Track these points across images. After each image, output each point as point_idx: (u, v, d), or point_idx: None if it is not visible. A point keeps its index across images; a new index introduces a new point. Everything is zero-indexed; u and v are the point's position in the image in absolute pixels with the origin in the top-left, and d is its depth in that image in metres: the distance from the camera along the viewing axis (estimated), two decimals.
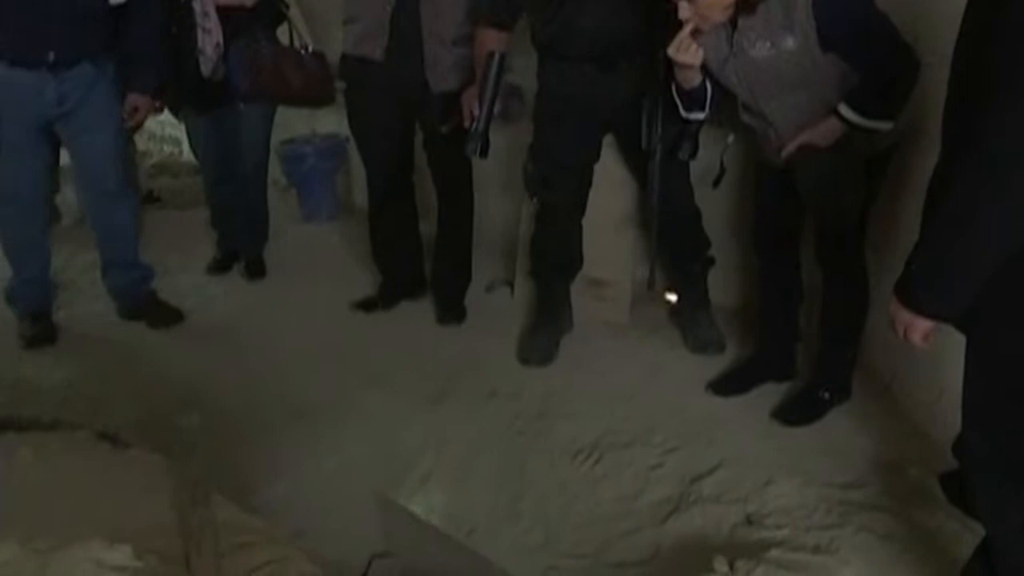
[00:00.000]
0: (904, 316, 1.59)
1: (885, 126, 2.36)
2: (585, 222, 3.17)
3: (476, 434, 2.82)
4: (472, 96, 2.91)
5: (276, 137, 4.40)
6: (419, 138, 3.35)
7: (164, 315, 3.45)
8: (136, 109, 3.22)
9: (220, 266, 3.93)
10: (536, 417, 2.85)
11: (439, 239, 3.51)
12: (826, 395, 2.73)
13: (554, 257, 3.20)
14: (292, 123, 4.50)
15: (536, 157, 3.03)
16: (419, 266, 3.65)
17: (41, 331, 3.24)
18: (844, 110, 2.36)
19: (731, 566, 2.14)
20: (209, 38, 3.41)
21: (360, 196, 3.77)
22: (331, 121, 4.53)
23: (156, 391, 2.94)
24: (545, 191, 3.06)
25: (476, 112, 2.84)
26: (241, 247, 4.00)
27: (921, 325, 1.58)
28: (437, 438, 2.85)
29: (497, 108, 2.86)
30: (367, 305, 3.57)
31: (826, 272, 2.64)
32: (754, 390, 2.90)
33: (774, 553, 2.16)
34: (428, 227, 3.59)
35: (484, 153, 2.87)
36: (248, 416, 2.89)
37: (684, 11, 2.34)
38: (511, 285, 3.67)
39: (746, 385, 2.90)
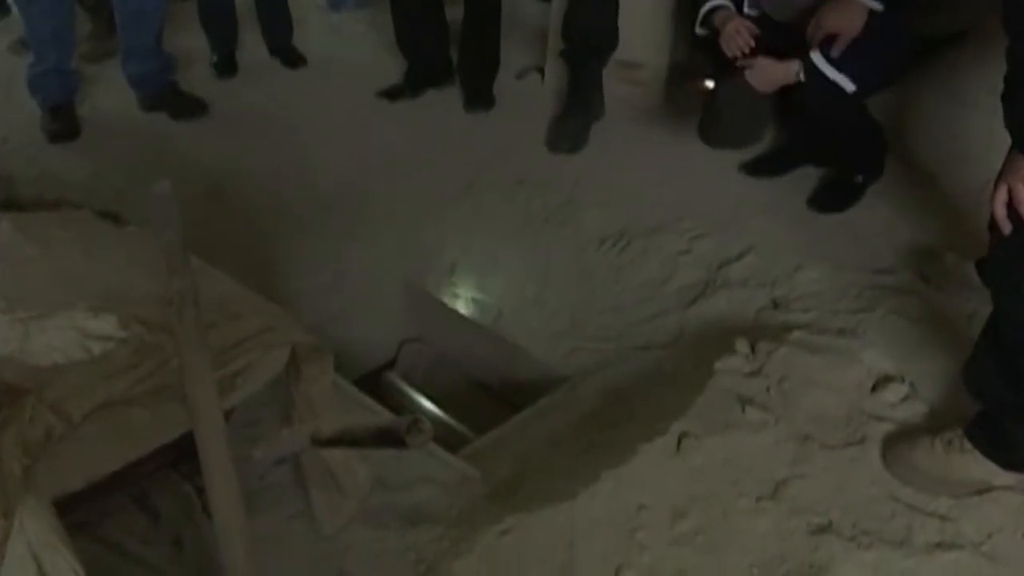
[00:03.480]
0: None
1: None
2: (621, 2, 2.99)
3: (503, 223, 2.79)
4: None
5: None
6: None
7: (187, 106, 3.38)
8: None
9: (227, 68, 3.80)
10: (563, 205, 2.80)
11: (466, 23, 3.33)
12: (860, 178, 2.63)
13: (587, 35, 3.03)
14: None
15: None
16: (445, 52, 3.50)
17: (64, 125, 3.20)
18: None
19: (753, 348, 2.13)
20: None
21: None
22: None
23: (180, 181, 2.91)
24: None
25: None
26: (269, 39, 3.88)
27: None
28: (464, 227, 2.83)
29: None
30: (393, 93, 3.46)
31: None
32: (790, 174, 2.79)
33: (797, 335, 2.15)
34: (455, 11, 3.42)
35: None
36: (275, 207, 2.88)
37: None
38: (542, 72, 3.53)
39: (782, 168, 2.79)
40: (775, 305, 2.32)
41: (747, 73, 2.41)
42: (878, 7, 2.27)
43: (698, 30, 2.65)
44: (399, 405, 2.64)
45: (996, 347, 1.71)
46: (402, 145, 3.15)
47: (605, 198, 2.79)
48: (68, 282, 1.34)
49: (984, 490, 1.75)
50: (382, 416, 1.98)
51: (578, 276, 2.58)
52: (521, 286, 2.65)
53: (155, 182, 1.09)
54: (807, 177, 2.78)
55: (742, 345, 2.13)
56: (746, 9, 2.56)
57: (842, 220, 2.60)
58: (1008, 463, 1.74)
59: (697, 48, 2.77)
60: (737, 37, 2.45)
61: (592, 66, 3.12)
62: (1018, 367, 1.66)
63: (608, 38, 3.06)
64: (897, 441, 1.87)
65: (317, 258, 2.79)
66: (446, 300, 2.83)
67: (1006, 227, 1.57)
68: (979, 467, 1.76)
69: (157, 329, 1.32)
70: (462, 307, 2.81)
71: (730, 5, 2.56)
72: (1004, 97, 1.56)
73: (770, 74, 2.42)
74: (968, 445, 1.76)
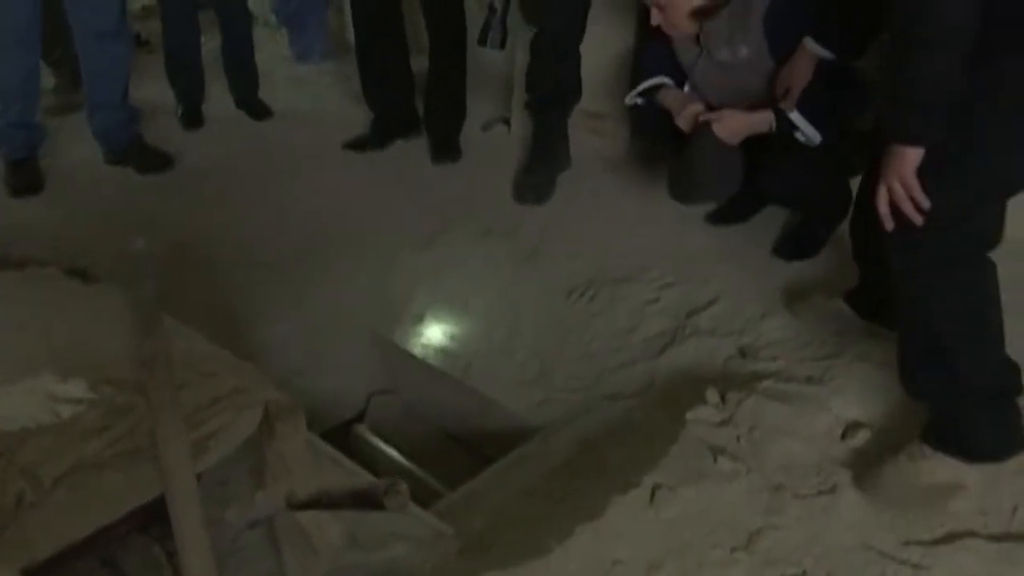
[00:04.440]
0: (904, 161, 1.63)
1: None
2: (583, 53, 3.04)
3: (471, 272, 2.80)
4: None
5: None
6: None
7: (152, 160, 3.37)
8: None
9: (193, 120, 3.79)
10: (531, 255, 2.82)
11: (432, 74, 3.37)
12: (822, 227, 2.67)
13: (551, 87, 3.08)
14: None
15: None
16: (412, 103, 3.53)
17: (27, 180, 3.17)
18: (809, 44, 2.33)
19: (723, 397, 2.14)
20: None
21: (352, 35, 3.62)
22: None
23: (146, 235, 2.89)
24: (541, 16, 2.92)
25: (496, 2, 2.68)
26: (235, 91, 3.89)
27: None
28: (432, 277, 2.83)
29: None
30: (359, 144, 3.48)
31: None
32: (754, 219, 2.83)
33: (766, 384, 2.16)
34: (420, 62, 3.46)
35: (503, 44, 2.74)
36: (241, 260, 2.87)
37: (655, 18, 2.47)
38: (507, 122, 3.57)
39: (746, 214, 2.83)
40: (743, 354, 2.34)
41: (714, 125, 2.47)
42: (828, 56, 2.33)
43: (632, 100, 2.71)
44: (369, 458, 2.61)
45: (916, 347, 1.82)
46: (369, 196, 3.16)
47: (572, 248, 2.81)
48: (36, 344, 1.32)
49: (956, 537, 1.77)
50: (358, 477, 1.96)
51: (547, 326, 2.59)
52: (490, 336, 2.65)
53: (128, 238, 1.08)
54: (772, 220, 2.82)
55: (712, 395, 2.14)
56: (686, 91, 2.65)
57: (809, 265, 2.63)
58: (970, 456, 1.79)
59: (632, 115, 2.82)
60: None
61: (557, 117, 3.16)
62: (943, 358, 1.75)
63: (572, 90, 3.11)
64: (867, 470, 1.91)
65: (284, 310, 2.78)
66: (415, 351, 2.82)
67: (889, 224, 1.68)
68: (945, 470, 1.81)
69: (128, 390, 1.30)
70: (431, 357, 2.80)
71: (671, 83, 2.64)
72: (887, 75, 1.69)
73: (738, 125, 2.48)
74: (929, 450, 1.82)
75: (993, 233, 1.86)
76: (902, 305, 1.83)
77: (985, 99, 1.59)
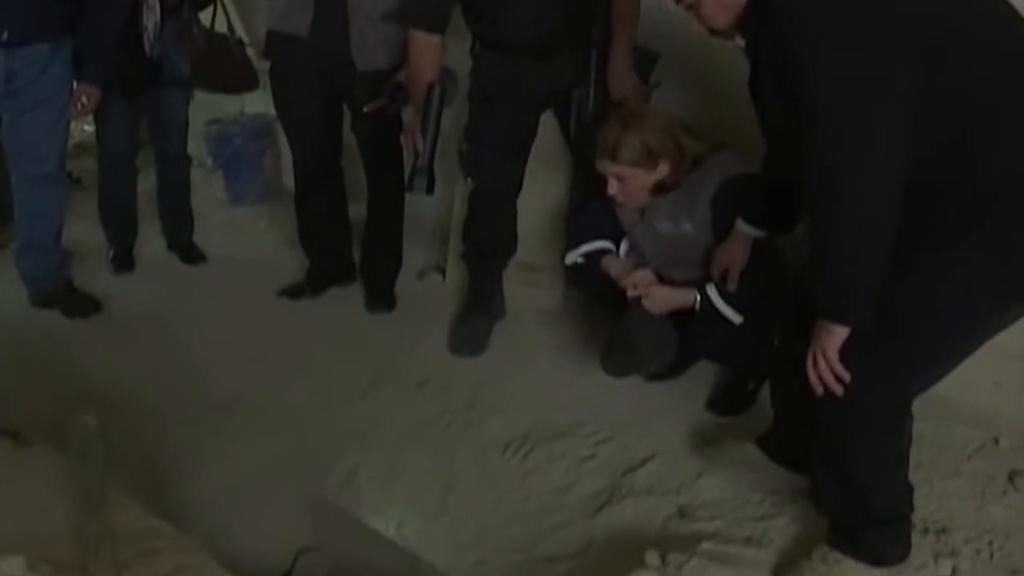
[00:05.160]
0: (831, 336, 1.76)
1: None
2: (519, 205, 3.10)
3: (405, 427, 2.75)
4: (414, 130, 2.78)
5: (203, 117, 4.26)
6: (348, 119, 3.24)
7: (80, 304, 3.30)
8: (84, 100, 3.09)
9: (124, 264, 3.73)
10: (466, 408, 2.79)
11: (369, 223, 3.40)
12: (751, 384, 2.72)
13: (487, 241, 3.13)
14: (219, 103, 4.33)
15: (471, 137, 2.96)
16: (348, 251, 3.54)
17: None
18: (742, 226, 2.45)
19: (663, 560, 2.11)
20: (151, 15, 3.26)
21: (290, 179, 3.65)
22: (259, 100, 4.37)
23: (69, 385, 2.81)
24: (479, 172, 2.99)
25: (420, 147, 2.73)
26: (168, 234, 3.86)
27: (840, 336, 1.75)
28: (365, 431, 2.77)
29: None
30: (294, 292, 3.46)
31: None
32: (689, 371, 2.87)
33: (706, 546, 2.14)
34: (357, 211, 3.49)
35: (431, 190, 2.77)
36: (167, 411, 2.78)
37: (612, 188, 2.54)
38: (443, 271, 3.59)
39: (679, 369, 2.86)
40: (681, 514, 2.32)
41: (644, 301, 2.56)
42: (760, 234, 2.42)
43: (572, 259, 2.78)
44: None
45: (832, 476, 1.98)
46: (302, 345, 3.12)
47: (508, 402, 2.80)
48: None
49: None
50: None
51: (482, 483, 2.54)
52: (424, 493, 2.58)
53: (78, 413, 1.04)
54: (706, 374, 2.86)
55: (652, 557, 2.11)
56: (622, 256, 2.74)
57: (742, 420, 2.65)
58: (874, 563, 1.98)
59: (572, 273, 2.88)
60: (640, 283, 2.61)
61: (492, 269, 3.19)
62: (858, 489, 1.93)
63: (507, 242, 3.15)
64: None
65: (210, 465, 2.67)
66: (345, 507, 2.73)
67: (819, 389, 1.81)
68: (856, 571, 1.99)
69: (68, 570, 1.22)
70: (362, 515, 2.71)
71: (612, 247, 2.73)
72: (811, 261, 1.78)
73: (664, 300, 2.57)
74: (839, 554, 1.99)
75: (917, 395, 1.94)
76: (823, 440, 1.97)
77: (907, 288, 1.69)
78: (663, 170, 2.52)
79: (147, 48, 3.27)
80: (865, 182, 1.58)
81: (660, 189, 2.55)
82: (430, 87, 2.68)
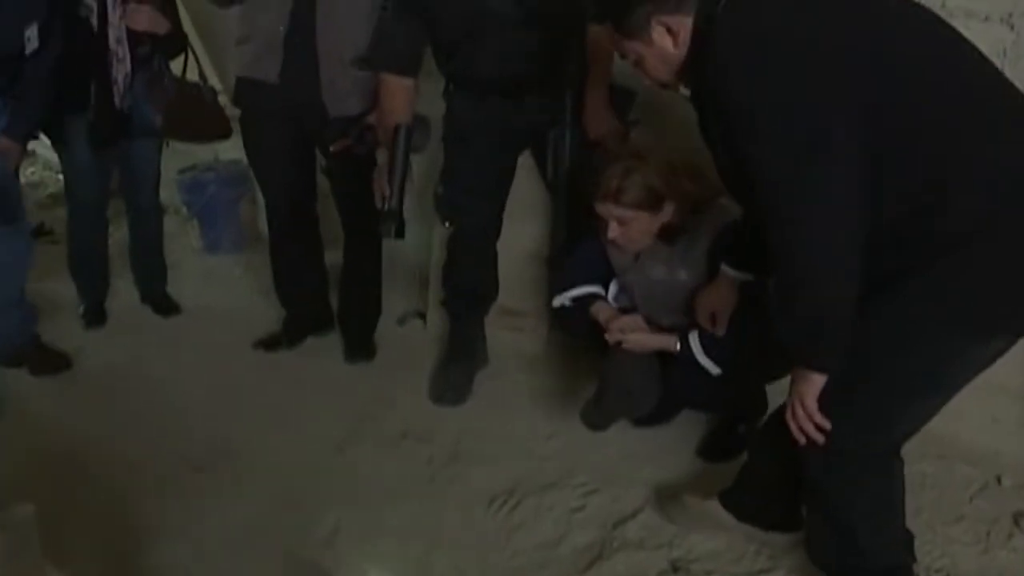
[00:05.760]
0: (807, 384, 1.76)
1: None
2: (500, 250, 3.03)
3: (387, 481, 2.65)
4: (381, 173, 2.73)
5: (176, 164, 4.19)
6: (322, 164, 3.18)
7: (49, 361, 3.20)
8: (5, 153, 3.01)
9: (95, 318, 3.64)
10: (450, 460, 2.70)
11: (346, 270, 3.32)
12: (741, 428, 2.65)
13: (468, 286, 3.05)
14: (193, 150, 4.27)
15: (447, 180, 2.90)
16: (325, 300, 3.46)
17: None
18: (727, 270, 2.37)
19: None
20: (121, 67, 3.21)
21: (265, 226, 3.58)
22: (233, 147, 4.30)
23: (38, 445, 2.71)
24: (457, 216, 2.92)
25: (387, 191, 2.67)
26: (141, 286, 3.78)
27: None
28: (346, 486, 2.67)
29: (408, 185, 2.70)
30: (270, 343, 3.37)
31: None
32: (678, 417, 2.79)
33: None
34: (334, 257, 3.41)
35: (400, 234, 2.70)
36: (140, 469, 2.68)
37: (613, 231, 2.45)
38: (423, 317, 3.51)
39: (667, 415, 2.78)
40: (674, 568, 2.23)
41: (624, 344, 2.50)
42: (747, 278, 2.34)
43: (560, 302, 2.69)
44: None
45: (826, 528, 1.96)
46: (279, 398, 3.03)
47: (493, 452, 2.71)
48: None
49: None
50: None
51: (468, 539, 2.44)
52: (407, 551, 2.47)
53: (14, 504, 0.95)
54: (696, 420, 2.78)
55: None
56: (611, 298, 2.66)
57: (734, 467, 2.56)
58: None
59: (558, 315, 2.79)
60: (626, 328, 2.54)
61: (474, 315, 3.12)
62: (853, 541, 1.90)
63: (488, 286, 3.08)
64: None
65: (183, 525, 2.56)
66: (326, 567, 2.62)
67: (801, 439, 1.79)
68: None
69: None
70: (344, 574, 2.60)
71: (602, 292, 2.65)
72: (777, 310, 1.76)
73: (645, 343, 2.50)
74: None
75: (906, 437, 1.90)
76: (814, 493, 1.95)
77: (881, 329, 1.68)
78: (667, 212, 2.44)
79: (117, 100, 3.21)
80: (820, 233, 1.59)
81: (664, 232, 2.47)
82: (396, 129, 2.63)
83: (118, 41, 3.17)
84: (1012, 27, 2.36)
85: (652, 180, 2.40)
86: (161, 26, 3.21)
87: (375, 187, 2.76)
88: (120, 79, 3.21)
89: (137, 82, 3.26)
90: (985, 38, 2.09)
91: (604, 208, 2.44)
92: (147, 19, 3.16)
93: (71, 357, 3.28)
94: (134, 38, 3.19)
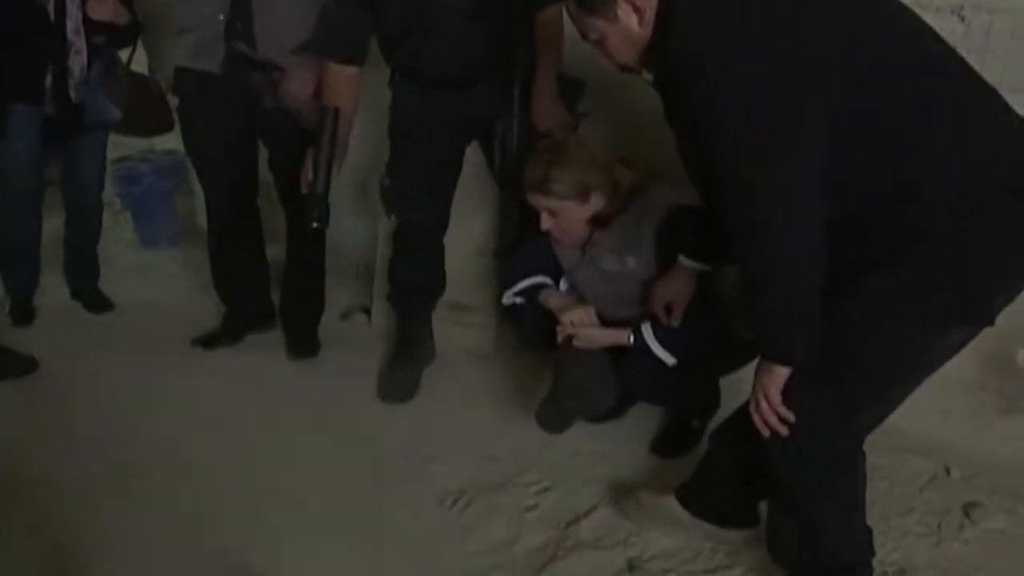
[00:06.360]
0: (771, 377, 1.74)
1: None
2: (448, 243, 2.97)
3: (333, 482, 2.57)
4: (307, 158, 2.65)
5: (109, 155, 4.04)
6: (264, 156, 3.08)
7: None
8: None
9: (23, 315, 3.49)
10: (398, 461, 2.63)
11: (288, 265, 3.23)
12: (696, 423, 2.63)
13: (414, 280, 2.98)
14: (127, 140, 4.11)
15: (393, 172, 2.83)
16: (266, 295, 3.35)
17: None
18: (685, 261, 2.35)
19: None
20: (78, 59, 3.12)
21: (203, 219, 3.46)
22: (169, 137, 4.16)
23: None
24: (403, 208, 2.85)
25: (310, 176, 2.60)
26: (71, 281, 3.63)
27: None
28: (290, 489, 2.59)
29: (335, 169, 2.63)
30: (208, 341, 3.26)
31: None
32: (630, 412, 2.76)
33: None
34: (276, 251, 3.31)
35: (324, 221, 2.64)
36: (72, 480, 2.55)
37: (545, 222, 2.43)
38: (368, 312, 3.43)
39: (619, 411, 2.74)
40: (631, 567, 2.19)
41: (575, 341, 2.45)
42: (704, 268, 2.31)
43: (510, 299, 2.64)
44: None
45: (789, 524, 1.94)
46: (219, 399, 2.92)
47: (442, 451, 2.65)
48: None
49: None
50: None
51: (419, 541, 2.38)
52: (355, 555, 2.40)
53: None
54: (649, 415, 2.75)
55: None
56: (563, 288, 2.61)
57: (689, 462, 2.54)
58: None
59: (509, 314, 2.74)
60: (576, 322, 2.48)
61: (421, 310, 3.05)
62: (815, 536, 1.89)
63: (435, 281, 3.02)
64: None
65: (117, 536, 2.45)
66: (273, 572, 2.54)
67: (765, 432, 1.77)
68: None
69: None
70: None
71: (551, 282, 2.60)
72: (745, 303, 1.74)
73: (596, 339, 2.45)
74: None
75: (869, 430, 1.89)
76: (778, 488, 1.92)
77: (844, 321, 1.66)
78: (597, 202, 2.42)
79: (72, 93, 3.14)
80: (783, 224, 1.57)
81: (597, 221, 2.45)
82: (323, 112, 2.57)
83: (76, 32, 3.08)
84: (963, 19, 2.37)
85: (578, 170, 2.39)
86: (122, 16, 3.14)
87: (301, 173, 2.68)
88: (76, 70, 3.13)
89: (93, 73, 3.18)
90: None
91: (534, 199, 2.44)
92: (111, 9, 3.08)
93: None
94: (89, 28, 3.10)
